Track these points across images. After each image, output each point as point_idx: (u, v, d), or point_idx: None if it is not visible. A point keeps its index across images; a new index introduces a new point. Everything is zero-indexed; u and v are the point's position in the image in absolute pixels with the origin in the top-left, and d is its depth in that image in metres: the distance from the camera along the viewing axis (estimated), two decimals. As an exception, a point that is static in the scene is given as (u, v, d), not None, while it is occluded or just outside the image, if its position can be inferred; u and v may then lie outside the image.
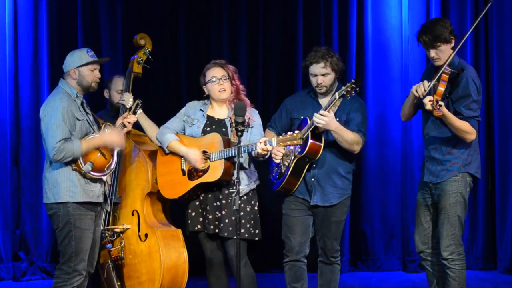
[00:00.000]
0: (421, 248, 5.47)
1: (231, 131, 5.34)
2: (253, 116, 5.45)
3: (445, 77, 5.05)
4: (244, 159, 5.35)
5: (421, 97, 5.14)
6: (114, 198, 5.60)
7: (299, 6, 7.77)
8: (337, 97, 5.17)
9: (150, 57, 5.92)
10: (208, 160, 5.29)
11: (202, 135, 5.40)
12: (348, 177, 5.50)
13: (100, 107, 6.42)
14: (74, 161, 5.05)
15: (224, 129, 5.42)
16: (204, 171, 5.30)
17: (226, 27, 7.72)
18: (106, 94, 6.23)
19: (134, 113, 5.57)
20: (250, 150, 5.21)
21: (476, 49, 7.72)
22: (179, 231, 5.63)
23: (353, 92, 5.13)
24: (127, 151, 5.72)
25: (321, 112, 5.19)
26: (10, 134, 7.32)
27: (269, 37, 7.82)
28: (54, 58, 7.39)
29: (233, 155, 5.21)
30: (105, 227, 5.57)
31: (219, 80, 5.41)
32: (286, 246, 5.56)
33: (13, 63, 7.32)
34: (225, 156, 5.21)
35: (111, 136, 5.19)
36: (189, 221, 5.41)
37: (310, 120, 5.31)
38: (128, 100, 5.72)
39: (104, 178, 5.23)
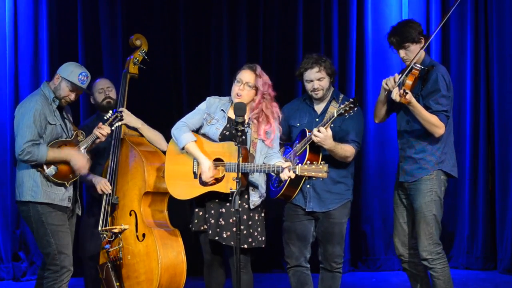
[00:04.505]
0: (401, 251, 5.47)
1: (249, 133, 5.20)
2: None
3: (415, 72, 5.12)
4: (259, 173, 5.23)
5: (391, 89, 5.20)
6: (112, 199, 5.61)
7: (299, 6, 7.77)
8: (335, 115, 5.14)
9: (146, 57, 5.92)
10: (224, 169, 5.15)
11: (219, 138, 5.25)
12: (345, 182, 5.49)
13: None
14: (37, 165, 5.14)
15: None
16: (218, 180, 5.16)
17: (226, 27, 7.72)
18: (92, 100, 6.21)
19: (111, 125, 5.49)
20: (269, 172, 5.11)
21: (476, 49, 7.71)
22: (177, 230, 5.64)
23: (351, 111, 5.12)
24: (124, 152, 5.73)
25: (320, 128, 5.16)
26: (10, 134, 7.33)
27: (269, 37, 7.83)
28: (54, 58, 7.41)
29: (249, 171, 5.08)
30: (103, 228, 5.58)
31: (242, 84, 5.24)
32: (286, 252, 5.58)
33: (13, 63, 7.33)
34: (242, 171, 4.98)
35: (78, 159, 5.23)
36: (196, 220, 5.29)
37: (308, 132, 5.32)
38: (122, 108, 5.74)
39: (68, 184, 5.26)
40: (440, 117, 5.19)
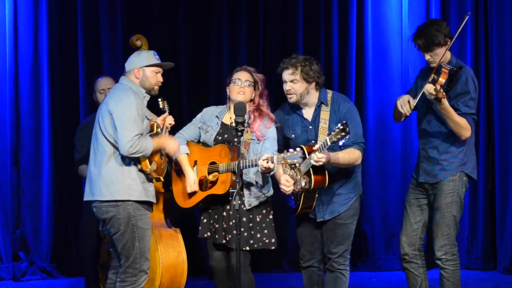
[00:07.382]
0: (406, 250, 5.39)
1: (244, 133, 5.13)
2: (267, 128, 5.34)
3: (446, 70, 5.04)
4: (254, 173, 5.25)
5: (407, 114, 5.17)
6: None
7: (299, 7, 7.78)
8: (329, 143, 4.95)
9: None
10: (217, 173, 5.23)
11: (214, 144, 5.33)
12: (354, 179, 5.37)
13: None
14: (139, 159, 4.96)
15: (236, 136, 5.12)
16: (213, 183, 5.24)
17: (226, 27, 7.73)
18: (94, 97, 6.22)
19: (168, 112, 5.47)
20: (252, 167, 5.14)
21: (476, 49, 7.71)
22: (178, 230, 5.64)
23: (343, 139, 4.91)
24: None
25: (318, 155, 4.98)
26: (10, 134, 7.33)
27: (269, 38, 7.83)
28: (54, 58, 7.41)
29: (240, 169, 5.06)
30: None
31: (242, 83, 5.33)
32: (299, 253, 5.58)
33: (13, 63, 7.33)
34: (232, 170, 5.11)
35: (173, 143, 5.17)
36: (200, 228, 5.37)
37: (307, 153, 5.12)
38: None
39: (162, 177, 5.18)
40: (468, 119, 5.13)
